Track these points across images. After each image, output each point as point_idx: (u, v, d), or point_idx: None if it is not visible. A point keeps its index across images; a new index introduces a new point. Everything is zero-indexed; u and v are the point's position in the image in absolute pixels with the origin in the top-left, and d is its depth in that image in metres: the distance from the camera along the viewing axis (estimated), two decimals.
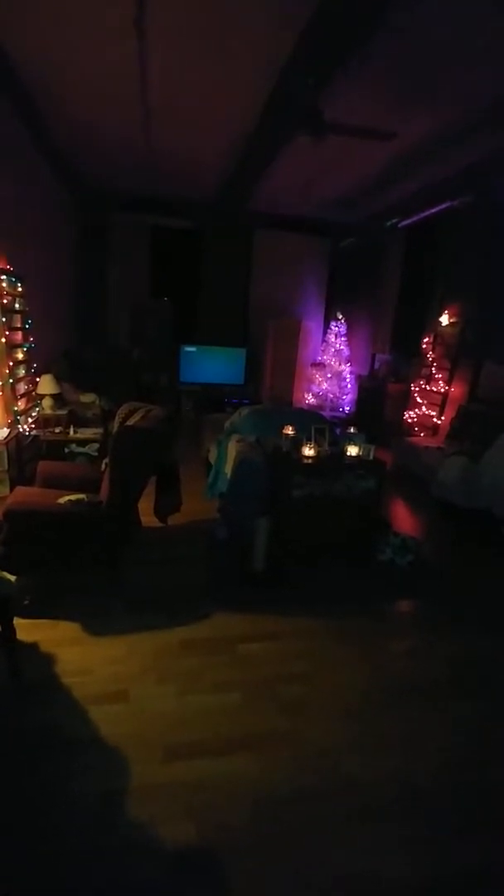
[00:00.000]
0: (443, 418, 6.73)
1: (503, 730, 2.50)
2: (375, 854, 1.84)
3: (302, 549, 3.97)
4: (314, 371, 9.51)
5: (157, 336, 8.88)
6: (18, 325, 5.05)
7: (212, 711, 2.45)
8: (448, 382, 6.74)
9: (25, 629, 2.79)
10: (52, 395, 5.43)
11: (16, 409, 4.70)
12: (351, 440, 4.07)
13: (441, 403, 6.79)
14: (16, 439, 4.51)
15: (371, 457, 4.02)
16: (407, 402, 7.43)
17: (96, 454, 5.11)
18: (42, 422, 5.31)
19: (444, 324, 6.81)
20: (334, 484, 3.95)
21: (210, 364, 9.16)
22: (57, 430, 5.25)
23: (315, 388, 9.45)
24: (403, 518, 5.16)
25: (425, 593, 3.76)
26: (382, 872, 1.78)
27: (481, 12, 3.26)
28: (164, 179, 7.27)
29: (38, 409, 5.35)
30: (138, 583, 3.48)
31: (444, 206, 6.42)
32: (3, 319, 4.56)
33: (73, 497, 3.21)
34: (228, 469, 4.38)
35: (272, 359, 9.36)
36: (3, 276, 4.64)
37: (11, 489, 3.96)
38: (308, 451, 3.92)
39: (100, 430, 5.42)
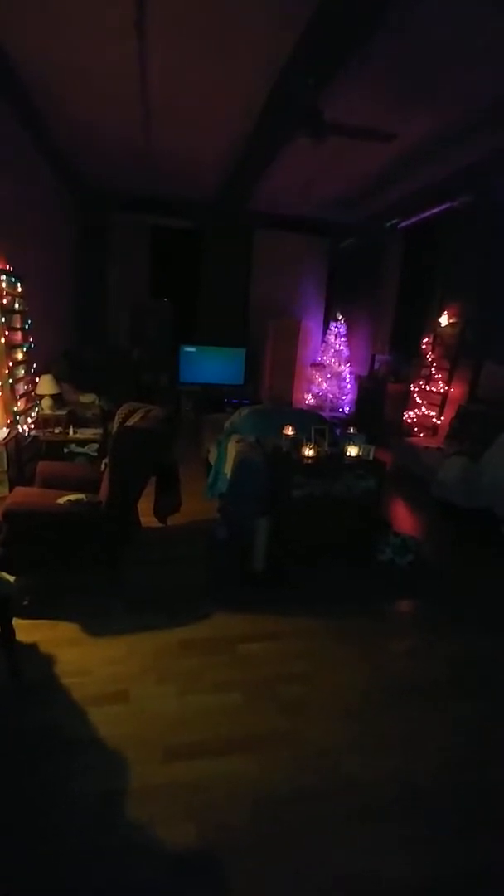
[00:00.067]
0: (442, 418, 6.73)
1: (503, 730, 2.50)
2: (375, 854, 1.84)
3: (302, 549, 3.97)
4: (314, 371, 9.51)
5: (156, 336, 8.89)
6: (18, 326, 5.06)
7: (212, 711, 2.45)
8: (448, 383, 6.74)
9: (25, 629, 2.79)
10: (52, 396, 5.43)
11: (15, 409, 4.70)
12: (351, 440, 4.07)
13: (441, 404, 6.79)
14: (15, 440, 4.51)
15: (371, 457, 4.02)
16: (407, 402, 7.43)
17: (96, 454, 5.11)
18: (41, 422, 5.31)
19: (443, 324, 6.81)
20: (334, 484, 3.94)
21: (210, 364, 9.16)
22: (56, 431, 5.25)
23: (315, 389, 9.45)
24: (403, 518, 5.16)
25: (425, 593, 3.76)
26: (382, 872, 1.78)
27: (481, 12, 3.27)
28: (164, 179, 7.27)
29: (37, 409, 5.35)
30: (138, 583, 3.48)
31: (443, 206, 6.42)
32: (3, 320, 4.56)
33: (72, 497, 3.21)
34: (228, 469, 4.38)
35: (272, 359, 9.37)
36: (3, 277, 4.64)
37: (11, 489, 3.96)
38: (308, 452, 3.91)
39: (99, 431, 5.42)
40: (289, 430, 4.16)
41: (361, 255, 9.10)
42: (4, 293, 4.64)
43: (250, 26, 3.59)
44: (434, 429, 6.84)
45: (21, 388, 5.00)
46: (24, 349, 5.13)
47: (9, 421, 4.65)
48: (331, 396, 9.24)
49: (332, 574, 3.88)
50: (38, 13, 3.59)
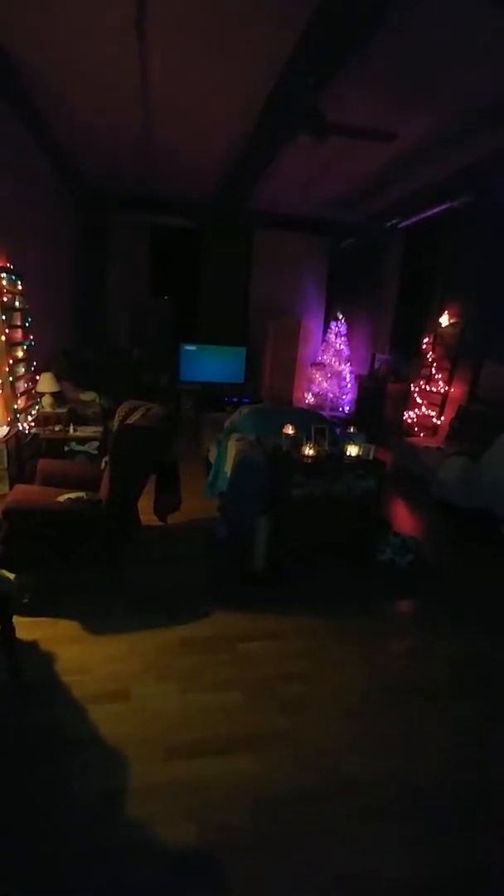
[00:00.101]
0: (442, 418, 6.73)
1: (503, 730, 2.50)
2: (375, 854, 1.83)
3: (302, 548, 3.97)
4: (314, 371, 9.52)
5: (157, 335, 8.89)
6: (18, 323, 5.05)
7: (212, 710, 2.45)
8: (448, 382, 6.74)
9: (25, 627, 2.78)
10: (52, 394, 5.43)
11: (15, 407, 4.70)
12: (351, 440, 4.07)
13: (441, 403, 6.79)
14: (15, 437, 4.51)
15: (371, 457, 4.02)
16: (407, 402, 7.43)
17: (96, 452, 5.11)
18: (42, 420, 5.30)
19: (443, 324, 6.81)
20: (334, 484, 3.94)
21: (210, 363, 9.16)
22: (57, 429, 5.24)
23: (315, 388, 9.46)
24: (403, 518, 5.16)
25: (425, 593, 3.76)
26: (382, 872, 1.77)
27: (481, 12, 3.26)
28: (164, 179, 7.27)
29: (37, 407, 5.35)
30: (138, 581, 3.48)
31: (443, 206, 6.42)
32: (3, 317, 4.56)
33: (72, 495, 3.21)
34: (228, 468, 4.38)
35: (272, 358, 9.37)
36: (3, 274, 4.64)
37: (11, 487, 3.96)
38: (308, 451, 3.91)
39: (100, 429, 5.42)
40: (289, 430, 4.16)
41: (362, 255, 9.10)
42: (5, 291, 4.64)
43: (250, 26, 3.59)
44: (434, 429, 6.84)
45: (21, 385, 5.00)
46: (25, 347, 5.13)
47: (9, 418, 4.64)
48: (331, 396, 9.25)
49: (332, 573, 3.88)
50: (39, 13, 3.59)
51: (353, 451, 3.97)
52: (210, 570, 3.78)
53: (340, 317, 9.22)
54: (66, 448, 5.11)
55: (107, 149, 6.19)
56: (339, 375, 9.20)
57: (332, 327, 9.26)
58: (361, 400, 8.73)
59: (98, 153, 6.38)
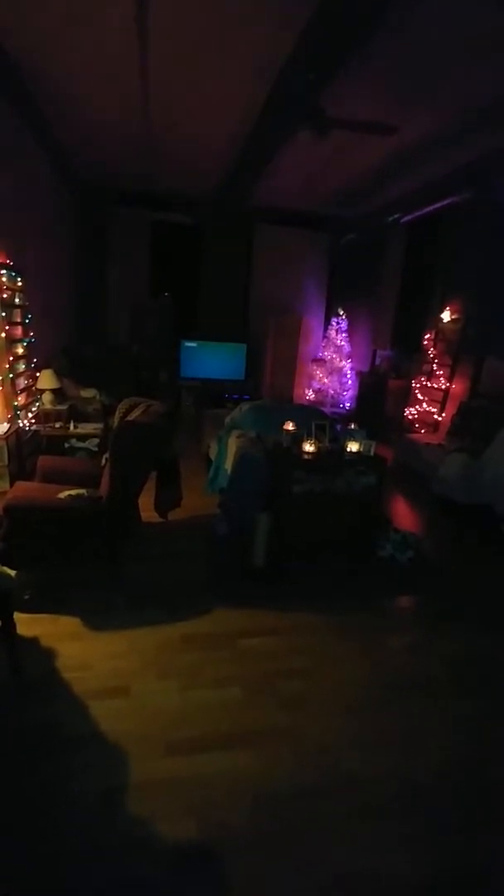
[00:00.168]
0: (444, 415, 6.71)
1: (503, 728, 2.50)
2: (376, 852, 1.84)
3: (302, 544, 3.96)
4: (315, 367, 9.50)
5: (157, 332, 8.86)
6: (18, 320, 5.04)
7: (212, 707, 2.45)
8: (449, 379, 6.72)
9: (26, 624, 2.78)
10: (53, 391, 5.42)
11: (16, 404, 4.69)
12: (351, 436, 4.06)
13: (442, 400, 6.77)
14: (16, 434, 4.51)
15: (371, 453, 4.01)
16: (408, 398, 7.41)
17: (96, 449, 5.10)
18: (42, 417, 5.30)
19: (445, 320, 6.79)
20: (335, 480, 3.94)
21: (210, 359, 9.13)
22: (57, 426, 5.24)
23: (315, 384, 9.44)
24: (404, 514, 5.15)
25: (425, 590, 3.76)
26: (382, 870, 1.78)
27: (481, 12, 3.25)
28: (164, 175, 7.24)
29: (38, 404, 5.34)
30: (139, 578, 3.48)
31: (445, 202, 6.39)
32: (3, 314, 4.55)
33: (73, 492, 3.21)
34: (229, 464, 4.38)
35: (273, 354, 9.35)
36: (3, 271, 4.62)
37: (11, 484, 3.96)
38: (308, 447, 3.91)
39: (100, 426, 5.41)
40: (289, 426, 4.15)
41: (363, 251, 9.06)
42: (5, 287, 4.62)
43: (250, 25, 3.57)
44: (435, 425, 6.82)
45: (21, 382, 4.99)
46: (25, 344, 5.11)
47: (9, 415, 4.64)
48: (332, 392, 9.23)
49: (333, 570, 3.88)
50: (39, 12, 3.57)
51: (353, 447, 3.96)
52: (210, 567, 3.78)
53: (341, 313, 9.19)
54: (66, 445, 5.11)
55: (107, 146, 6.16)
56: (339, 372, 9.18)
57: (333, 323, 9.23)
58: (362, 396, 8.71)
59: (98, 150, 6.34)
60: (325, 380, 9.27)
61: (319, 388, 9.38)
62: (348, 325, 9.17)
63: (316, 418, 4.32)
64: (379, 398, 7.86)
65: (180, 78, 4.37)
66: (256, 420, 4.86)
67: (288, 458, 3.91)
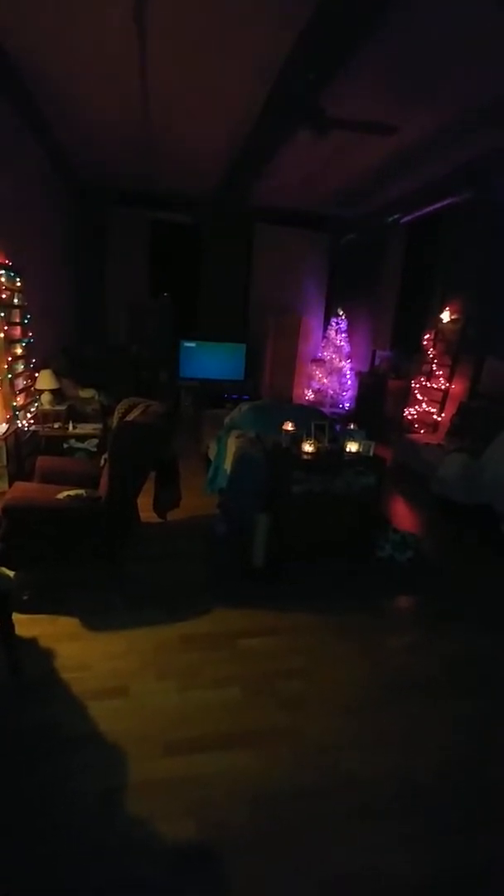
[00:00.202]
0: (443, 415, 6.71)
1: (503, 728, 2.49)
2: (375, 852, 1.83)
3: (301, 544, 3.96)
4: (314, 367, 9.50)
5: (156, 332, 8.86)
6: (17, 320, 5.04)
7: (211, 707, 2.44)
8: (449, 379, 6.73)
9: (24, 624, 2.78)
10: (51, 391, 5.41)
11: (15, 404, 4.69)
12: (351, 436, 4.06)
13: (441, 400, 6.77)
14: (15, 434, 4.50)
15: (371, 453, 4.01)
16: (407, 398, 7.41)
17: (95, 450, 5.10)
18: (41, 417, 5.29)
19: (444, 320, 6.79)
20: (334, 480, 3.93)
21: (210, 360, 9.13)
22: (56, 426, 5.23)
23: (315, 385, 9.44)
24: (403, 515, 5.15)
25: (425, 590, 3.76)
26: (382, 870, 1.77)
27: (481, 12, 3.25)
28: (164, 175, 7.24)
29: (37, 404, 5.33)
30: (138, 578, 3.47)
31: (445, 202, 6.39)
32: (2, 314, 4.54)
33: (71, 492, 3.20)
34: (228, 464, 4.38)
35: (272, 355, 9.35)
36: (2, 271, 4.62)
37: (10, 484, 3.95)
38: (308, 448, 3.90)
39: (99, 426, 5.41)
40: (289, 426, 4.14)
41: (363, 251, 9.06)
42: (3, 288, 4.62)
43: (250, 25, 3.57)
44: (435, 425, 6.82)
45: (20, 382, 4.98)
46: (24, 344, 5.11)
47: (8, 416, 4.63)
48: (331, 392, 9.23)
49: (332, 570, 3.88)
50: (39, 12, 3.57)
51: (352, 447, 3.96)
52: (210, 567, 3.78)
53: (341, 313, 9.19)
54: (65, 445, 5.11)
55: (106, 146, 6.16)
56: (339, 372, 9.18)
57: (333, 324, 9.23)
58: (362, 396, 8.71)
59: (97, 150, 6.34)
60: (325, 380, 9.27)
61: (319, 389, 9.38)
62: (348, 325, 9.17)
63: (315, 418, 4.31)
64: (378, 398, 7.86)
65: (180, 78, 4.37)
66: (256, 420, 4.86)
67: (287, 459, 3.91)
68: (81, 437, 5.16)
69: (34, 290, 5.58)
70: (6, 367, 4.62)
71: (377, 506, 4.23)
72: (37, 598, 3.11)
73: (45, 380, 5.30)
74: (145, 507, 3.88)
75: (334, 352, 9.17)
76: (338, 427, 4.77)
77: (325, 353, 9.30)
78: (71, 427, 5.22)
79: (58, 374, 5.55)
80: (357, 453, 3.96)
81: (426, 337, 7.17)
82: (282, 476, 3.86)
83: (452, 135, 5.03)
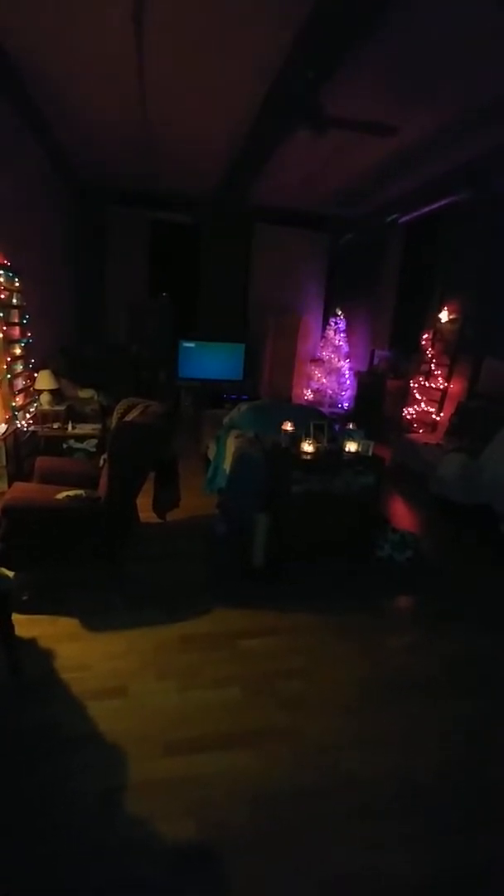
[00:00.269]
0: (442, 415, 6.72)
1: (503, 727, 2.50)
2: (375, 852, 1.83)
3: (301, 544, 3.96)
4: (313, 367, 9.50)
5: (155, 332, 8.86)
6: (16, 321, 5.03)
7: (211, 707, 2.44)
8: (447, 379, 6.74)
9: (24, 625, 2.78)
10: (51, 391, 5.41)
11: (14, 404, 4.68)
12: (350, 436, 4.06)
13: (440, 400, 6.78)
14: (14, 435, 4.50)
15: (370, 453, 4.01)
16: (406, 398, 7.42)
17: (95, 450, 5.09)
18: (40, 417, 5.29)
19: (443, 320, 6.80)
20: (333, 480, 3.93)
21: (209, 360, 9.13)
22: (55, 426, 5.23)
23: (314, 384, 9.44)
24: (402, 514, 5.15)
25: (424, 590, 3.76)
26: (382, 870, 1.77)
27: (481, 11, 3.25)
28: (163, 175, 7.24)
29: (36, 404, 5.33)
30: (137, 578, 3.47)
31: (444, 201, 6.40)
32: (1, 315, 4.54)
33: (71, 493, 3.20)
34: (227, 464, 4.38)
35: (271, 354, 9.35)
36: (1, 272, 4.61)
37: (9, 485, 3.95)
38: (307, 448, 3.90)
39: (98, 426, 5.40)
40: (288, 426, 4.14)
41: (362, 251, 9.07)
42: (2, 288, 4.61)
43: (249, 24, 3.57)
44: (433, 425, 6.83)
45: (19, 383, 4.98)
46: (23, 344, 5.10)
47: (7, 416, 4.63)
48: (330, 392, 9.23)
49: (331, 570, 3.88)
50: (38, 12, 3.57)
51: (351, 447, 3.96)
52: (209, 567, 3.78)
53: (340, 313, 9.19)
54: (64, 445, 5.10)
55: (106, 145, 6.17)
56: (338, 372, 9.19)
57: (332, 323, 9.24)
58: (360, 396, 8.72)
59: (97, 150, 6.35)
60: (324, 380, 9.27)
61: (318, 388, 9.38)
62: (347, 324, 9.18)
63: (314, 418, 4.32)
64: (377, 398, 7.87)
65: (179, 77, 4.37)
66: (255, 420, 4.86)
67: (286, 459, 3.91)
68: (81, 438, 5.16)
69: (33, 290, 5.58)
70: (5, 367, 4.61)
71: (376, 505, 4.24)
72: (36, 599, 3.10)
73: (44, 380, 5.29)
74: (145, 507, 3.87)
75: (333, 351, 9.18)
76: (337, 427, 4.78)
77: (324, 353, 9.31)
78: (70, 427, 5.21)
79: (57, 375, 5.54)
80: (356, 453, 3.96)
81: (425, 337, 7.18)
82: (281, 476, 3.87)
83: (452, 135, 5.04)
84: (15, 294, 4.95)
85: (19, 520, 2.99)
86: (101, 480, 3.52)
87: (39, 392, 5.37)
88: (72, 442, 5.13)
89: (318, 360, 9.46)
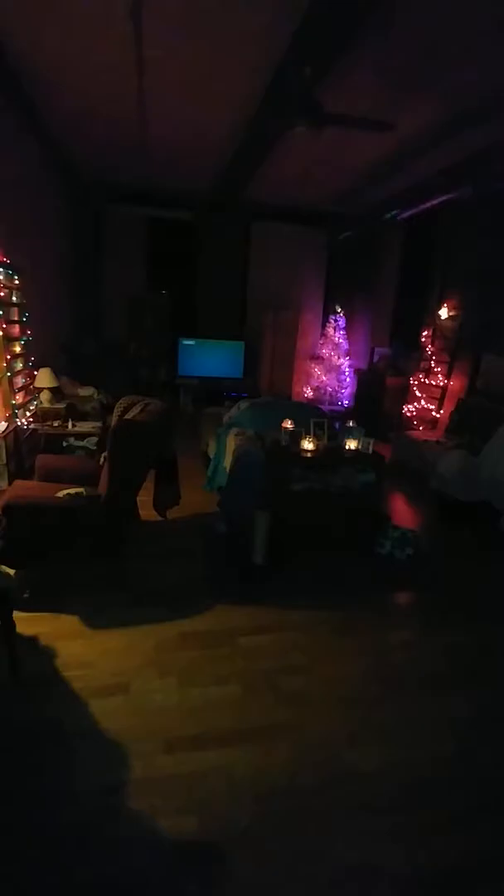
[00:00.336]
0: (441, 412, 6.72)
1: (502, 723, 2.51)
2: (376, 846, 1.84)
3: (301, 542, 3.97)
4: (313, 364, 9.50)
5: (154, 329, 8.85)
6: (16, 319, 5.02)
7: (212, 704, 2.45)
8: (447, 376, 6.74)
9: (25, 622, 2.78)
10: (51, 389, 5.40)
11: (14, 402, 4.68)
12: (350, 434, 4.07)
13: (440, 397, 6.79)
14: (14, 433, 4.50)
15: (370, 450, 4.02)
16: (406, 395, 7.42)
17: (95, 448, 5.09)
18: (40, 415, 5.28)
19: (443, 317, 6.80)
20: (333, 478, 3.94)
21: (208, 357, 9.13)
22: (55, 424, 5.22)
23: (314, 382, 9.44)
24: (402, 512, 5.16)
25: (424, 586, 3.77)
26: (383, 865, 1.78)
27: (480, 8, 3.25)
28: (161, 172, 7.22)
29: (36, 402, 5.32)
30: (138, 576, 3.48)
31: (443, 197, 6.38)
32: (1, 313, 4.53)
33: (71, 491, 3.21)
34: (227, 462, 4.38)
35: (271, 352, 9.33)
36: (0, 269, 4.61)
37: (10, 483, 3.95)
38: (307, 445, 3.91)
39: (98, 424, 5.40)
40: (288, 424, 4.15)
41: (361, 247, 9.05)
42: (2, 286, 4.61)
43: (247, 20, 3.56)
44: (433, 422, 6.84)
45: (19, 381, 4.98)
46: (22, 342, 5.10)
47: (7, 414, 4.63)
48: (330, 390, 9.23)
49: (332, 567, 3.88)
50: (34, 6, 3.55)
51: (352, 445, 3.97)
52: (210, 565, 3.78)
53: (339, 310, 9.19)
54: (64, 443, 5.09)
55: (104, 142, 6.16)
56: (337, 369, 9.19)
57: (331, 321, 9.23)
58: (360, 394, 8.72)
59: (95, 147, 6.34)
60: (324, 377, 9.27)
61: (317, 386, 9.38)
62: (346, 322, 9.17)
63: (314, 416, 4.32)
64: (377, 395, 7.87)
65: (176, 73, 4.36)
66: (255, 418, 4.87)
67: (286, 456, 3.92)
68: (81, 435, 5.15)
69: (33, 289, 5.57)
70: (5, 365, 4.61)
71: (376, 503, 4.25)
72: (37, 596, 3.11)
73: (44, 378, 5.29)
74: (145, 505, 3.88)
75: (333, 349, 9.18)
76: (337, 424, 4.78)
77: (324, 351, 9.30)
78: (70, 425, 5.21)
79: (57, 373, 5.54)
80: (356, 450, 3.97)
81: (425, 333, 7.18)
82: (281, 473, 3.87)
83: (451, 130, 5.03)
84: (14, 292, 4.94)
85: (20, 518, 3.00)
86: (101, 478, 3.52)
87: (39, 390, 5.36)
88: (72, 440, 5.12)
89: (317, 358, 9.46)
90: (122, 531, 3.36)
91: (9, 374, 4.65)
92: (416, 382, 7.22)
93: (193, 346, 9.08)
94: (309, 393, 9.50)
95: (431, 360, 6.99)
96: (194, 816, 1.89)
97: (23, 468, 4.50)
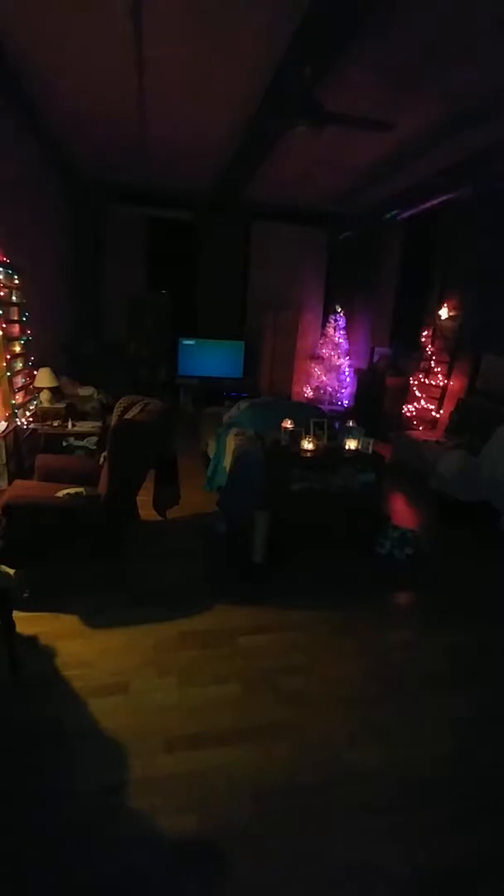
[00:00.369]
0: (441, 412, 6.72)
1: (502, 723, 2.51)
2: (375, 846, 1.84)
3: (301, 542, 3.97)
4: (313, 364, 9.50)
5: (154, 329, 8.85)
6: (15, 318, 5.02)
7: (212, 703, 2.45)
8: (447, 376, 6.74)
9: (25, 622, 2.78)
10: (50, 389, 5.40)
11: (14, 402, 4.68)
12: (350, 434, 4.07)
13: (440, 397, 6.79)
14: (14, 433, 4.50)
15: (370, 450, 4.02)
16: (406, 395, 7.42)
17: (95, 447, 5.09)
18: (40, 415, 5.28)
19: (443, 317, 6.80)
20: (333, 477, 3.94)
21: (208, 357, 9.13)
22: (55, 424, 5.22)
23: (314, 382, 9.44)
24: (402, 511, 5.16)
25: (424, 586, 3.77)
26: (382, 864, 1.78)
27: (480, 8, 3.25)
28: (161, 172, 7.22)
29: (36, 402, 5.32)
30: (138, 576, 3.48)
31: (443, 197, 6.38)
32: (0, 312, 4.53)
33: (71, 491, 3.21)
34: (227, 462, 4.38)
35: (271, 352, 9.33)
36: (0, 269, 4.61)
37: (10, 483, 3.95)
38: (307, 445, 3.91)
39: (98, 424, 5.39)
40: (288, 424, 4.15)
41: (361, 247, 9.05)
42: (2, 285, 4.61)
43: (247, 21, 3.57)
44: (433, 422, 6.84)
45: (19, 381, 4.98)
46: (22, 342, 5.10)
47: (7, 414, 4.63)
48: (329, 389, 9.23)
49: (332, 567, 3.89)
50: (34, 5, 3.55)
51: (351, 444, 3.97)
52: (210, 565, 3.78)
53: (339, 310, 9.19)
54: (64, 443, 5.09)
55: (104, 142, 6.16)
56: (337, 369, 9.19)
57: (331, 320, 9.23)
58: (360, 394, 8.72)
59: (95, 147, 6.34)
60: (324, 377, 9.27)
61: (317, 386, 9.38)
62: (346, 322, 9.17)
63: (314, 416, 4.32)
64: (377, 395, 7.87)
65: (176, 73, 4.36)
66: (254, 418, 4.86)
67: (286, 456, 3.92)
68: (81, 435, 5.15)
69: (33, 288, 5.57)
70: (5, 364, 4.60)
71: (376, 503, 4.25)
72: (37, 596, 3.11)
73: (43, 377, 5.28)
74: (145, 505, 3.88)
75: (333, 349, 9.18)
76: (337, 424, 4.78)
77: (324, 350, 9.30)
78: (70, 425, 5.21)
79: (56, 372, 5.54)
80: (356, 450, 3.97)
81: (424, 333, 7.18)
82: (281, 473, 3.87)
83: (451, 130, 5.03)
84: (14, 291, 4.94)
85: (20, 518, 3.00)
86: (101, 478, 3.52)
87: (39, 390, 5.36)
88: (72, 439, 5.12)
89: (317, 358, 9.46)
90: (121, 531, 3.36)
91: (9, 373, 4.65)
92: (416, 382, 7.22)
93: (193, 346, 9.08)
94: (309, 393, 9.50)
95: (431, 360, 6.99)
96: (194, 816, 1.89)
97: (22, 468, 4.50)
